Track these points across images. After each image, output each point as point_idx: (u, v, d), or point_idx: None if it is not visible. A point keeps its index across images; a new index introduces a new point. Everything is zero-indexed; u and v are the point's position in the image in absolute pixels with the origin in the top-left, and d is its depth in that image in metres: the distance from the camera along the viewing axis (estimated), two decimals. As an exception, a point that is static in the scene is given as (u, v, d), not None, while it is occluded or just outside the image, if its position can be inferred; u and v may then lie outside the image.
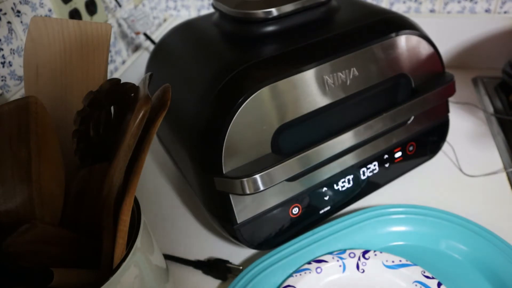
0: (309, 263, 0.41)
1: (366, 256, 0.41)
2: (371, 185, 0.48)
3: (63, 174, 0.29)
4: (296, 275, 0.40)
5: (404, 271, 0.39)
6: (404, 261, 0.40)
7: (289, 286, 0.39)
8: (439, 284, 0.38)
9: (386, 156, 0.47)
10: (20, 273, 0.27)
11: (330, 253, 0.42)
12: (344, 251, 0.41)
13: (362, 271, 0.40)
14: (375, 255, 0.41)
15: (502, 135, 0.57)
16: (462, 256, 0.41)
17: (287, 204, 0.42)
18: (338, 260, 0.41)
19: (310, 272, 0.40)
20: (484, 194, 0.49)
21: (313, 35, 0.41)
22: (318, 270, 0.40)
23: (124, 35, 0.72)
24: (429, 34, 0.46)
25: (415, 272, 0.39)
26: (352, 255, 0.41)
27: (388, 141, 0.47)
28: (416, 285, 0.38)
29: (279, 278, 0.40)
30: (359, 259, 0.40)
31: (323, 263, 0.40)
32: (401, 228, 0.44)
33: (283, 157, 0.38)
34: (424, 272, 0.39)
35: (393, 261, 0.40)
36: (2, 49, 0.46)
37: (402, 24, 0.44)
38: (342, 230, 0.43)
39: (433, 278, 0.38)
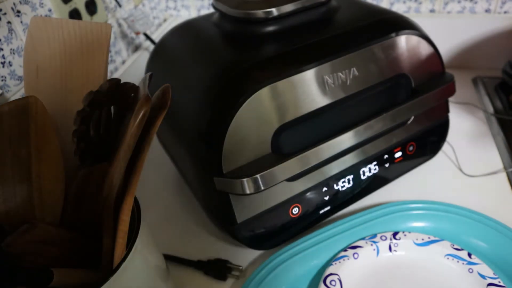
0: (345, 250, 0.41)
1: (397, 237, 0.42)
2: (371, 185, 0.48)
3: (63, 174, 0.29)
4: (335, 263, 0.40)
5: (435, 246, 0.40)
6: (432, 238, 0.41)
7: (331, 274, 0.39)
8: (469, 254, 0.39)
9: (386, 156, 0.47)
10: (20, 273, 0.27)
11: (362, 238, 0.42)
12: (375, 235, 0.42)
13: (395, 251, 0.41)
14: (405, 235, 0.42)
15: (502, 135, 0.57)
16: (482, 253, 0.41)
17: (287, 204, 0.42)
18: (372, 244, 0.41)
19: (348, 259, 0.40)
20: (484, 194, 0.49)
21: (313, 35, 0.41)
22: (355, 255, 0.41)
23: (124, 35, 0.72)
24: (429, 34, 0.46)
25: (445, 246, 0.40)
26: (383, 237, 0.42)
27: (388, 141, 0.47)
28: (448, 258, 0.39)
29: (298, 270, 0.41)
30: (390, 239, 0.42)
31: (358, 248, 0.41)
32: (421, 224, 0.44)
33: (283, 157, 0.38)
34: (453, 245, 0.40)
35: (422, 239, 0.41)
36: (2, 49, 0.46)
37: (402, 24, 0.44)
38: (360, 225, 0.44)
39: (462, 249, 0.39)
